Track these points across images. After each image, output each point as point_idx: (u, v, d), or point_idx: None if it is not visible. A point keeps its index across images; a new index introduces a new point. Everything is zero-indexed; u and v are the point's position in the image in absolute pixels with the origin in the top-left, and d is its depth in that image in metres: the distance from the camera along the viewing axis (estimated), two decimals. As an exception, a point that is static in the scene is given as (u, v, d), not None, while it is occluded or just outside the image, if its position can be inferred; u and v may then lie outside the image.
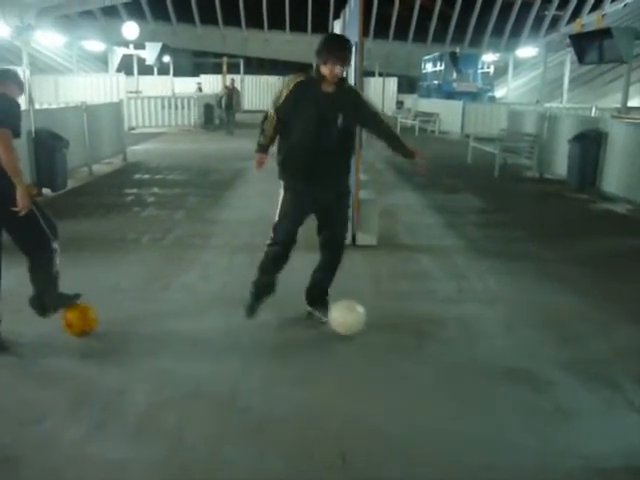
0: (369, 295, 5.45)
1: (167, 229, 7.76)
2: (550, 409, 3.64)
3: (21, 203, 4.03)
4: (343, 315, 4.51)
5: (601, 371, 4.13)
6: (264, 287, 4.64)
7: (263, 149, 4.52)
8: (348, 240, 6.91)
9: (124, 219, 8.40)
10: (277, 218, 4.52)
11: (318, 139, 4.31)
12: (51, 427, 3.36)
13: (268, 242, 4.57)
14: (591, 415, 3.60)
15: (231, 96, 21.81)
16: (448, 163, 14.60)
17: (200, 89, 28.97)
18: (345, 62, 4.28)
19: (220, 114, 22.70)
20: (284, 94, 4.32)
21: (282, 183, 4.54)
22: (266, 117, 4.45)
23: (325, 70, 4.23)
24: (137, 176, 12.29)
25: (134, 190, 10.59)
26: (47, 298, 4.47)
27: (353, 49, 4.51)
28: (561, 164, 11.51)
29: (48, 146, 9.63)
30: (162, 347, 4.39)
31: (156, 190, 10.67)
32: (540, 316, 5.06)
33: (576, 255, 6.88)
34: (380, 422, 3.47)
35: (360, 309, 4.53)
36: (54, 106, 15.02)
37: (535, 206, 9.98)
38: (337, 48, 4.25)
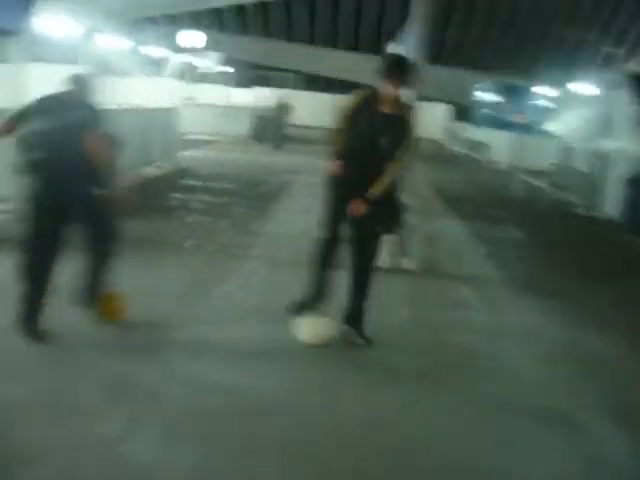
0: (404, 323, 5.43)
1: (210, 236, 7.85)
2: (584, 456, 3.58)
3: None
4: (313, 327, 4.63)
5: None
6: (315, 286, 4.80)
7: (339, 156, 4.63)
8: (387, 264, 6.94)
9: (168, 223, 8.53)
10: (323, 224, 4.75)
11: (364, 156, 4.48)
12: (82, 424, 3.42)
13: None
14: (626, 464, 3.53)
15: (282, 110, 21.80)
16: (495, 193, 14.50)
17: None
18: (402, 83, 4.41)
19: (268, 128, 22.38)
20: (349, 107, 4.56)
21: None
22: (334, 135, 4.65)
23: (384, 89, 4.37)
24: (185, 182, 12.47)
25: (181, 195, 10.74)
26: (95, 289, 4.59)
27: (413, 71, 4.64)
28: (610, 204, 11.31)
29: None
30: (198, 353, 4.45)
31: (203, 197, 10.80)
32: (578, 357, 4.99)
33: (621, 299, 6.74)
34: (410, 458, 3.45)
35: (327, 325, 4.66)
36: (108, 107, 15.34)
37: (581, 244, 9.82)
38: (397, 68, 4.42)
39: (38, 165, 4.20)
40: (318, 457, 3.31)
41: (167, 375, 4.07)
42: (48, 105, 4.45)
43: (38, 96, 4.51)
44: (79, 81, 4.59)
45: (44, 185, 4.25)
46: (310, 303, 4.81)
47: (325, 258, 4.75)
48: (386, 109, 4.45)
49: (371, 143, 4.43)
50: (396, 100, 4.46)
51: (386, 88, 4.38)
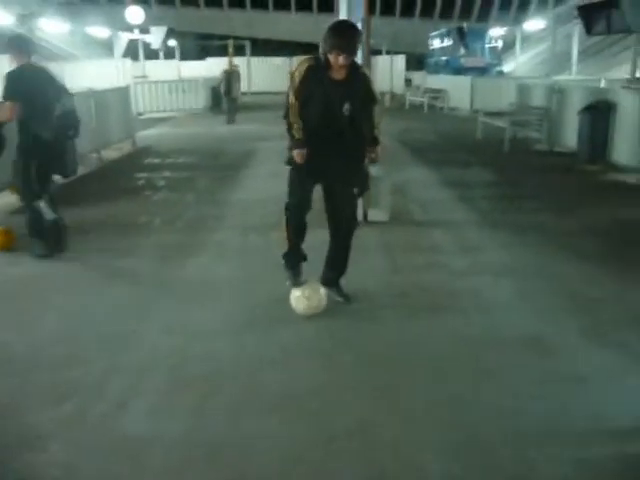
0: (381, 269, 5.51)
1: (179, 212, 7.80)
2: (564, 375, 3.69)
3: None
4: (308, 295, 4.55)
5: (615, 337, 4.17)
6: (293, 254, 4.72)
7: (301, 143, 4.34)
8: (359, 217, 6.96)
9: (136, 203, 8.44)
10: (289, 190, 4.55)
11: (324, 126, 4.29)
12: (75, 406, 3.43)
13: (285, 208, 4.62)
14: (604, 380, 3.64)
15: (230, 80, 19.67)
16: (458, 139, 14.57)
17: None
18: (352, 52, 4.17)
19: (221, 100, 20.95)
20: (297, 78, 4.26)
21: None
22: (287, 109, 4.34)
23: (331, 58, 4.14)
24: (147, 160, 12.32)
25: (144, 174, 10.62)
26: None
27: (360, 37, 4.45)
28: (571, 136, 11.46)
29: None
30: (180, 326, 4.44)
31: (167, 174, 10.70)
32: (553, 285, 5.09)
33: (588, 226, 6.88)
34: (397, 392, 3.52)
35: (321, 292, 4.59)
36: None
37: (546, 178, 9.93)
38: (343, 36, 4.14)
39: None
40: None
41: (150, 352, 4.07)
42: None
43: None
44: None
45: None
46: (299, 267, 4.75)
47: (300, 228, 4.64)
48: (339, 76, 4.23)
49: (330, 113, 4.25)
50: (350, 66, 4.23)
51: (332, 56, 4.11)
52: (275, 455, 2.97)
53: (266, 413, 3.33)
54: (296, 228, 4.63)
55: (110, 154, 12.78)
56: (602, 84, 13.69)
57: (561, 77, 21.47)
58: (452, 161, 11.60)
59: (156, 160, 12.32)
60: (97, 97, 12.22)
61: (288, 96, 4.32)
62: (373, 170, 7.04)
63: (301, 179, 4.46)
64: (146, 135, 16.15)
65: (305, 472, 2.85)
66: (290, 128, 4.36)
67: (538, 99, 13.60)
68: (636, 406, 3.38)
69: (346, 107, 4.26)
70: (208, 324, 4.47)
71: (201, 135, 16.42)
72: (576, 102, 11.48)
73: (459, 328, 4.33)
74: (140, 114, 20.05)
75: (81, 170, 10.58)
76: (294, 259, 4.73)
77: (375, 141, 4.56)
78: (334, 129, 4.30)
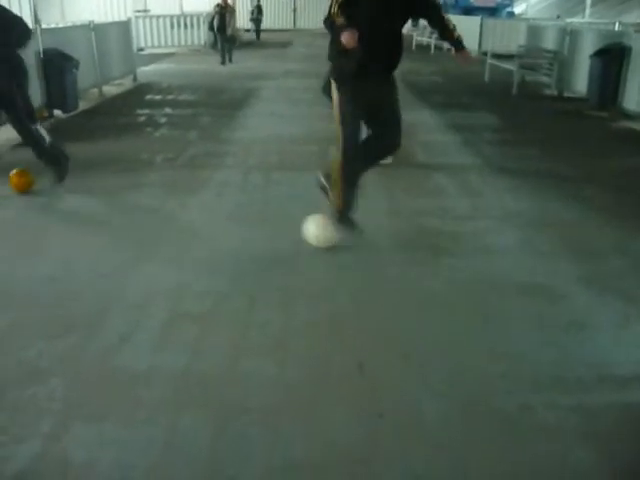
0: (383, 212, 5.46)
1: (181, 149, 7.72)
2: (565, 322, 3.67)
3: None
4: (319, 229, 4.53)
5: (616, 285, 4.14)
6: (353, 199, 4.60)
7: (348, 25, 3.94)
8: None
9: (137, 140, 8.35)
10: (341, 126, 4.34)
11: (378, 32, 4.12)
12: (75, 341, 3.44)
13: (343, 158, 4.40)
14: (605, 327, 3.63)
15: (224, 16, 18.37)
16: (464, 81, 14.32)
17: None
18: None
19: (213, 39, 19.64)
20: None
21: (336, 84, 4.32)
22: (329, 15, 4.06)
23: None
24: (148, 97, 12.15)
25: (146, 111, 10.48)
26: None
27: None
28: (581, 81, 11.24)
29: (58, 66, 9.47)
30: (180, 262, 4.44)
31: (168, 110, 10.56)
32: (556, 232, 5.05)
33: (594, 173, 6.80)
34: (396, 334, 3.52)
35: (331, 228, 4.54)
36: (61, 25, 14.72)
37: (553, 124, 9.80)
38: None
39: None
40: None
41: (150, 288, 4.08)
42: None
43: None
44: None
45: None
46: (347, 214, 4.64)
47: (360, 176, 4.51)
48: None
49: (384, 20, 4.11)
50: None
51: None
52: (271, 392, 2.99)
53: (264, 351, 3.34)
54: (356, 180, 4.49)
55: (111, 90, 12.61)
56: (616, 28, 13.33)
57: (574, 20, 20.97)
58: (457, 104, 11.43)
59: (157, 97, 12.15)
60: (98, 31, 11.98)
61: (331, 5, 4.06)
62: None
63: (351, 99, 4.26)
64: (147, 71, 15.90)
65: (302, 410, 2.87)
66: (333, 23, 4.04)
67: (549, 42, 13.30)
68: (638, 354, 3.38)
69: (397, 13, 4.18)
70: (208, 261, 4.47)
71: (203, 72, 16.15)
72: (588, 46, 11.22)
73: (459, 273, 4.31)
74: (141, 49, 19.70)
75: (82, 105, 10.51)
76: (349, 215, 4.62)
77: (461, 44, 4.39)
78: (386, 38, 4.22)
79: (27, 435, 2.70)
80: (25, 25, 5.75)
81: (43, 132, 5.94)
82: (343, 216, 4.62)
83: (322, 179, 4.72)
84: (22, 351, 3.34)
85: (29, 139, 5.88)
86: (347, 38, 3.88)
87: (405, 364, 3.24)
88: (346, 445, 2.64)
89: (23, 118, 5.78)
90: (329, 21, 4.09)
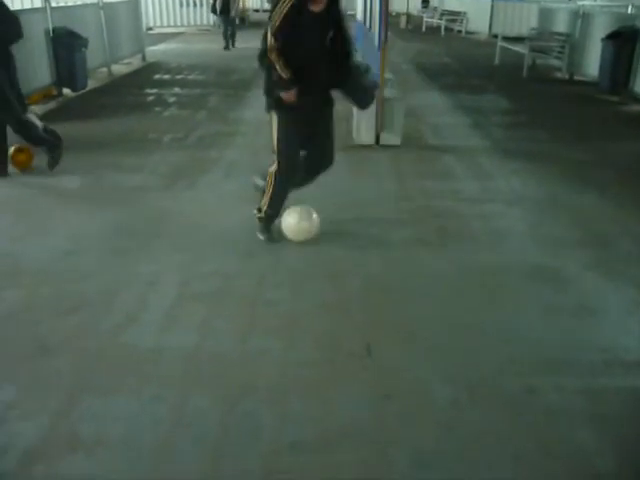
0: (392, 194, 5.44)
1: (189, 129, 7.71)
2: (574, 306, 3.66)
3: None
4: (296, 221, 4.43)
5: (625, 270, 4.12)
6: (271, 220, 4.50)
7: (292, 82, 3.94)
8: (371, 140, 6.88)
9: (146, 119, 8.35)
10: (280, 146, 4.21)
11: (309, 59, 4.00)
12: (86, 317, 3.47)
13: (275, 171, 4.28)
14: (614, 312, 3.62)
15: None
16: (475, 64, 14.21)
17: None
18: None
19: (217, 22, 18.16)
20: (278, 18, 3.84)
21: (274, 111, 4.16)
22: (265, 49, 3.93)
23: None
24: (157, 76, 12.11)
25: (155, 90, 10.47)
26: None
27: None
28: (593, 65, 11.13)
29: (67, 45, 9.45)
30: (189, 243, 4.44)
31: (177, 90, 10.53)
32: (565, 216, 5.02)
33: (604, 157, 6.76)
34: (405, 316, 3.53)
35: (314, 217, 4.45)
36: (70, 3, 14.64)
37: (564, 108, 9.72)
38: None
39: None
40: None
41: (160, 267, 4.09)
42: None
43: None
44: None
45: None
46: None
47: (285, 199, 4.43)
48: (317, 9, 3.89)
49: (313, 46, 3.97)
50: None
51: None
52: (280, 372, 3.00)
53: (271, 331, 3.35)
54: (284, 196, 4.39)
55: (120, 69, 12.59)
56: (629, 10, 13.15)
57: (586, 2, 20.71)
58: (467, 86, 11.35)
59: (166, 76, 12.12)
60: (107, 9, 11.91)
61: (266, 36, 3.92)
62: (386, 91, 6.91)
63: (291, 126, 4.13)
64: (156, 50, 15.86)
65: (310, 389, 2.88)
66: (272, 68, 3.95)
67: (561, 24, 13.16)
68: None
69: (329, 36, 4.02)
70: (218, 240, 4.47)
71: (212, 52, 16.08)
72: (600, 28, 11.09)
73: (467, 255, 4.31)
74: (150, 29, 19.63)
75: (91, 84, 10.49)
76: (270, 225, 4.51)
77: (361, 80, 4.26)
78: (318, 63, 4.04)
79: (37, 410, 2.72)
80: (20, 24, 5.73)
81: (34, 119, 5.91)
82: (268, 223, 4.50)
83: (257, 181, 4.61)
84: (34, 326, 3.37)
85: (23, 132, 5.82)
86: (288, 97, 3.96)
87: (413, 346, 3.25)
88: (353, 425, 2.65)
89: (19, 115, 5.72)
90: (264, 57, 3.97)
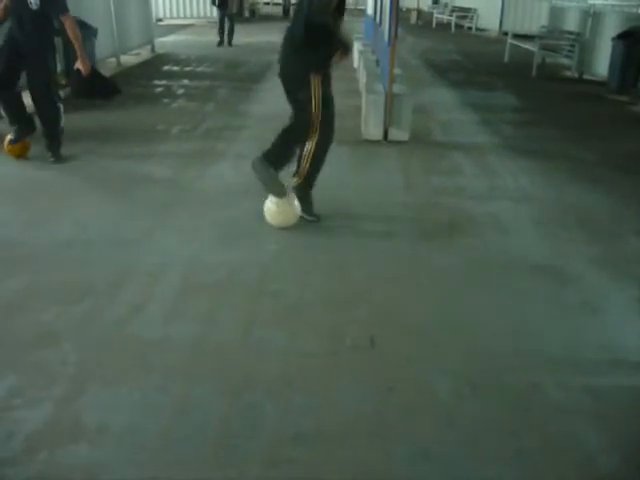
0: (399, 189, 5.44)
1: (198, 121, 7.72)
2: (578, 303, 3.66)
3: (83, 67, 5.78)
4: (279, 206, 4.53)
5: (630, 269, 4.12)
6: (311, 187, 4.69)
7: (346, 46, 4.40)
8: (379, 135, 6.87)
9: (154, 111, 8.35)
10: (317, 113, 4.40)
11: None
12: (90, 307, 3.47)
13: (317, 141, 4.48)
14: (618, 310, 3.61)
15: None
16: (484, 61, 14.17)
17: None
18: None
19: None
20: (329, 3, 4.23)
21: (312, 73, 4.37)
22: (305, 33, 4.25)
23: None
24: (166, 68, 12.11)
25: (163, 82, 10.47)
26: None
27: None
28: (603, 64, 11.09)
29: (77, 34, 9.41)
30: (195, 233, 4.45)
31: (185, 82, 10.53)
32: (572, 215, 5.01)
33: (611, 157, 6.73)
34: (409, 309, 3.53)
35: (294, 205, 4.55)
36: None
37: (572, 107, 9.68)
38: None
39: None
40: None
41: (164, 258, 4.09)
42: None
43: None
44: None
45: None
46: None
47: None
48: None
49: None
50: None
51: None
52: (283, 363, 3.01)
53: (275, 322, 3.35)
54: (324, 160, 4.59)
55: (129, 60, 12.59)
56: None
57: (597, 1, 20.61)
58: (477, 83, 11.31)
59: (175, 68, 12.11)
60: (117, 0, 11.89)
61: (304, 22, 4.22)
62: (395, 87, 6.90)
63: (325, 89, 4.42)
64: (165, 42, 15.85)
65: (313, 381, 2.89)
66: (333, 34, 4.28)
67: (571, 23, 13.11)
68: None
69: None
70: (224, 231, 4.48)
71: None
72: (611, 28, 11.05)
73: (474, 251, 4.30)
74: (159, 20, 19.62)
75: (99, 74, 10.49)
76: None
77: None
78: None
79: (41, 398, 2.73)
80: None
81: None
82: (309, 197, 4.66)
83: (262, 164, 4.57)
84: (38, 315, 3.38)
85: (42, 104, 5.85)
86: (346, 58, 4.41)
87: (417, 339, 3.24)
88: (355, 418, 2.65)
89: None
90: (321, 26, 4.20)
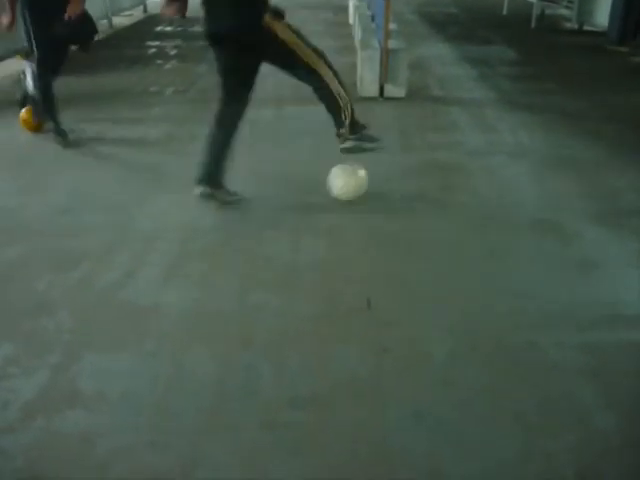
0: (395, 147, 5.37)
1: (191, 82, 7.61)
2: (577, 260, 3.63)
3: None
4: (345, 181, 4.30)
5: (630, 223, 4.07)
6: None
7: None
8: (375, 92, 6.77)
9: (147, 72, 8.22)
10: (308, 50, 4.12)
11: None
12: (83, 274, 3.46)
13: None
14: (618, 266, 3.58)
15: None
16: (482, 14, 13.88)
17: None
18: None
19: None
20: None
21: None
22: None
23: None
24: (158, 29, 11.89)
25: (156, 43, 10.30)
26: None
27: None
28: (604, 14, 10.85)
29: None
30: (189, 198, 4.40)
31: (178, 43, 10.36)
32: (571, 169, 4.94)
33: (611, 110, 6.62)
34: (406, 271, 3.51)
35: (361, 174, 4.31)
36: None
37: (572, 59, 9.50)
38: None
39: None
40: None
41: (160, 223, 4.06)
42: None
43: None
44: None
45: None
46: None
47: None
48: None
49: None
50: None
51: None
52: (278, 327, 2.99)
53: (272, 287, 3.34)
54: None
55: (121, 21, 12.37)
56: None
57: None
58: (474, 37, 11.10)
59: (168, 28, 11.90)
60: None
61: None
62: (391, 42, 6.77)
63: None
64: (157, 2, 15.50)
65: (308, 344, 2.88)
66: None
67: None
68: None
69: None
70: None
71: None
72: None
73: (471, 209, 4.26)
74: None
75: (90, 36, 10.31)
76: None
77: None
78: None
79: (36, 366, 2.73)
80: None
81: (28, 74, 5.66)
82: (359, 127, 4.30)
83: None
84: (32, 282, 3.37)
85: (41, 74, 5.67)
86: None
87: (413, 301, 3.23)
88: (351, 380, 2.65)
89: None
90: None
